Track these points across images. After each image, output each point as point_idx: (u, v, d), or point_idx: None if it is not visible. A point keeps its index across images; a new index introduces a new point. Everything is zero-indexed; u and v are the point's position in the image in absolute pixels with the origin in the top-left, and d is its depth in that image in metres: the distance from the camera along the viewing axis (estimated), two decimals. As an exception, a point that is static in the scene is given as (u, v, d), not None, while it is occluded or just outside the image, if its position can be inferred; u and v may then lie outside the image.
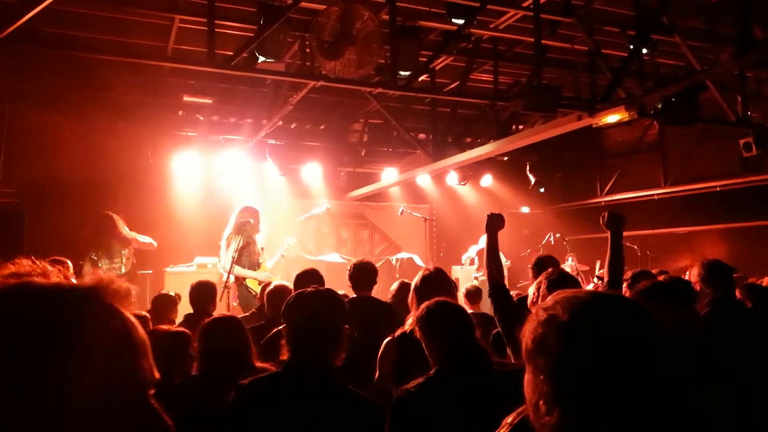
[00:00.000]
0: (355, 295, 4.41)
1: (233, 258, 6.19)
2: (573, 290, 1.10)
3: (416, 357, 2.99)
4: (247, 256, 6.70)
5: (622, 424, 0.96)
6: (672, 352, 0.99)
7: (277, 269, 7.56)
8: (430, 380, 2.34)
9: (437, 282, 3.26)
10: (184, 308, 5.08)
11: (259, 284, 6.09)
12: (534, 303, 3.47)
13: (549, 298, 1.10)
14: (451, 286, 3.31)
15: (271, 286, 4.34)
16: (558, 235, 9.06)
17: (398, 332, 3.20)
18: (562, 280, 3.01)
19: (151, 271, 8.04)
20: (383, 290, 7.93)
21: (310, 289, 2.38)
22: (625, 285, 3.47)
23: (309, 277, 4.12)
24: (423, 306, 2.56)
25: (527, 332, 1.07)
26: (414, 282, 3.32)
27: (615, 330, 1.00)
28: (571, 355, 0.99)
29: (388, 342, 3.24)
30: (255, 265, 6.79)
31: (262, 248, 7.01)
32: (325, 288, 2.42)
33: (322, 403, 2.08)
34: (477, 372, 2.37)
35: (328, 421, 2.06)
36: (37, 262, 1.44)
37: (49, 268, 1.45)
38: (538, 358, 1.03)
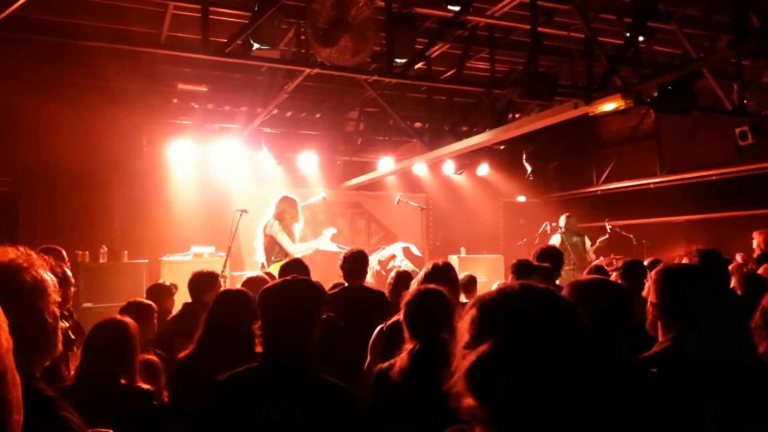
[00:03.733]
0: (347, 284, 4.42)
1: (229, 248, 6.20)
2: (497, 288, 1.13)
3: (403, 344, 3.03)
4: (281, 246, 6.72)
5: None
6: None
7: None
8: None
9: (441, 276, 3.27)
10: (182, 297, 5.07)
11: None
12: None
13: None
14: (455, 280, 3.31)
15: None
16: (554, 224, 9.07)
17: (390, 321, 3.21)
18: (525, 269, 3.08)
19: (147, 261, 8.04)
20: (384, 279, 7.97)
21: (280, 280, 2.36)
22: (616, 274, 3.49)
23: (294, 267, 4.11)
24: (411, 290, 2.61)
25: (460, 325, 1.12)
26: (419, 275, 3.34)
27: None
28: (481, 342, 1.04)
29: (378, 330, 3.26)
30: (286, 255, 6.80)
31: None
32: (299, 278, 2.34)
33: (298, 395, 2.06)
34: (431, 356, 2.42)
35: (305, 412, 2.04)
36: (21, 249, 1.45)
37: (34, 255, 1.46)
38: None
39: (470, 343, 1.04)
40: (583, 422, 1.01)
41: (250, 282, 4.07)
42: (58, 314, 1.49)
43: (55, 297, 1.46)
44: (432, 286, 2.63)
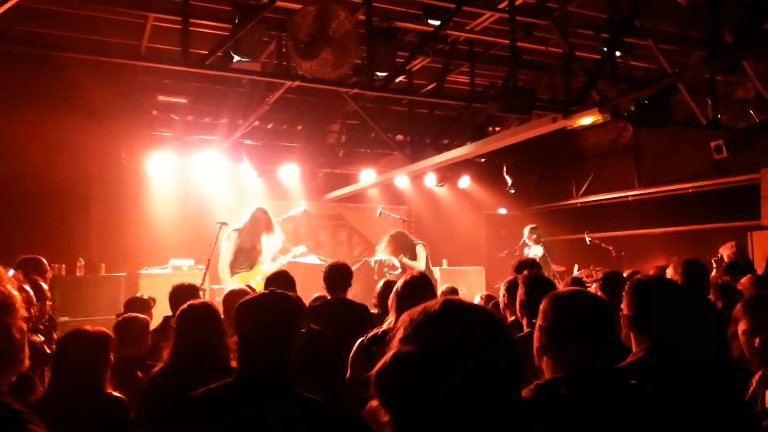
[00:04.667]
0: (329, 297, 4.40)
1: (208, 260, 6.19)
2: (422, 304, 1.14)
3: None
4: (245, 257, 6.78)
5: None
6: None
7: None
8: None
9: (420, 287, 3.25)
10: (161, 311, 5.01)
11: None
12: (504, 307, 3.51)
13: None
14: (433, 291, 3.30)
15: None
16: (534, 236, 9.14)
17: (371, 333, 3.20)
18: (535, 283, 3.07)
19: (125, 274, 7.93)
20: (362, 291, 7.97)
21: (256, 293, 2.32)
22: (596, 285, 3.51)
23: (279, 279, 4.08)
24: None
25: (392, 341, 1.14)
26: (397, 286, 3.31)
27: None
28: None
29: (359, 343, 3.24)
30: (251, 267, 6.86)
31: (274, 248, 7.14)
32: (277, 292, 2.30)
33: (274, 411, 2.02)
34: None
35: (281, 429, 2.00)
36: None
37: (2, 270, 1.47)
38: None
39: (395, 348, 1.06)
40: None
41: (232, 295, 4.04)
42: (26, 329, 1.48)
43: (23, 312, 1.46)
44: (419, 272, 2.63)
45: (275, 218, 8.37)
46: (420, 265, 7.61)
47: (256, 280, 6.65)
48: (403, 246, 7.79)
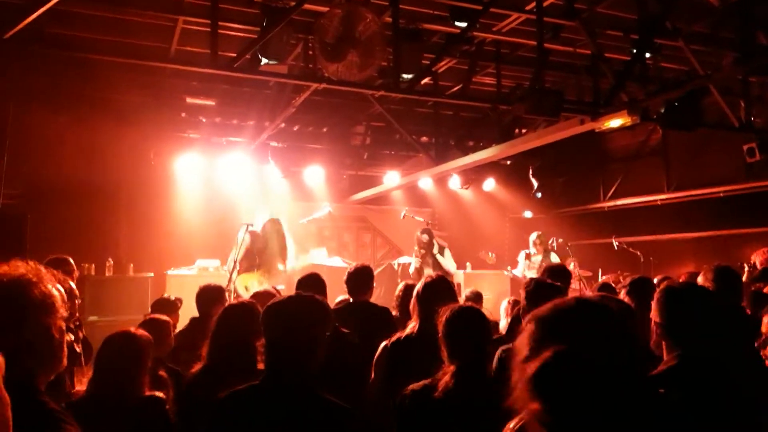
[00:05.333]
0: (352, 300, 4.40)
1: (235, 262, 6.27)
2: (551, 303, 1.22)
3: (408, 361, 2.99)
4: (253, 257, 6.90)
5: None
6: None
7: (283, 274, 7.56)
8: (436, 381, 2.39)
9: (440, 289, 3.23)
10: (188, 312, 5.06)
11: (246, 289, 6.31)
12: (523, 311, 3.47)
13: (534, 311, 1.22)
14: (453, 293, 3.28)
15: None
16: (560, 240, 9.03)
17: (394, 337, 3.19)
18: (539, 289, 3.06)
19: (152, 274, 8.04)
20: (385, 294, 7.97)
21: (285, 296, 2.32)
22: (624, 291, 3.45)
23: (310, 282, 4.10)
24: (449, 309, 2.55)
25: (518, 341, 1.20)
26: (416, 289, 3.30)
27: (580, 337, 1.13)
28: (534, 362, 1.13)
29: (383, 347, 3.23)
30: (258, 268, 7.04)
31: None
32: (305, 295, 2.29)
33: (299, 414, 2.02)
34: (474, 378, 2.36)
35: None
36: (31, 264, 1.47)
37: (43, 270, 1.48)
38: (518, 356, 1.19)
39: (529, 355, 1.14)
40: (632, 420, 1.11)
41: (258, 296, 4.07)
42: (64, 328, 1.50)
43: (62, 312, 1.48)
44: (469, 304, 2.57)
45: (300, 220, 8.47)
46: (451, 266, 7.62)
47: (259, 281, 6.80)
48: (431, 244, 7.85)
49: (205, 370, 2.79)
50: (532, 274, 8.69)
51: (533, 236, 8.90)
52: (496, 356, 3.01)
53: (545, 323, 1.16)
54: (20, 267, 1.46)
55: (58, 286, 1.54)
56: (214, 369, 2.76)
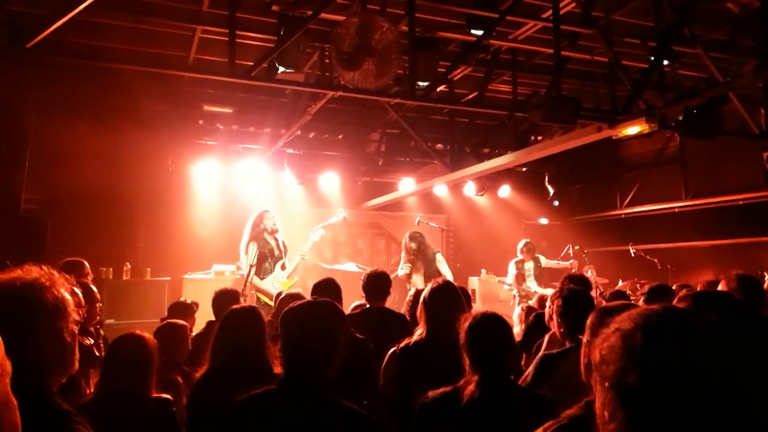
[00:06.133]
0: (368, 306, 4.40)
1: (251, 266, 6.31)
2: (647, 307, 1.13)
3: (417, 367, 2.98)
4: (268, 262, 7.06)
5: None
6: (743, 378, 1.03)
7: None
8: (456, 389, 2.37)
9: (446, 294, 3.23)
10: (204, 316, 5.11)
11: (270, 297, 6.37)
12: (549, 319, 3.44)
13: (623, 314, 1.13)
14: (460, 298, 3.27)
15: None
16: (577, 247, 8.98)
17: (402, 343, 3.18)
18: (573, 298, 3.01)
19: (169, 278, 8.12)
20: (400, 300, 7.95)
21: (303, 300, 2.34)
22: (642, 299, 3.42)
23: (325, 286, 4.11)
24: (472, 314, 2.52)
25: (598, 344, 1.12)
26: (423, 295, 3.30)
27: (685, 355, 1.04)
28: (635, 376, 1.04)
29: (391, 353, 3.23)
30: (273, 269, 7.15)
31: (283, 243, 7.41)
32: (322, 300, 2.31)
33: (316, 419, 2.04)
34: (500, 387, 2.35)
35: None
36: (44, 268, 1.50)
37: (56, 275, 1.51)
38: (606, 369, 1.10)
39: (621, 371, 1.05)
40: None
41: (285, 298, 4.13)
42: (77, 332, 1.53)
43: (75, 316, 1.50)
44: (491, 311, 2.51)
45: (315, 226, 8.46)
46: (448, 273, 7.52)
47: (280, 281, 6.88)
48: (425, 251, 7.72)
49: (210, 374, 2.82)
50: (530, 281, 8.82)
51: (521, 244, 9.04)
52: (534, 363, 2.99)
53: (648, 334, 1.06)
54: (33, 271, 1.48)
55: (74, 290, 1.56)
56: (219, 373, 2.78)
